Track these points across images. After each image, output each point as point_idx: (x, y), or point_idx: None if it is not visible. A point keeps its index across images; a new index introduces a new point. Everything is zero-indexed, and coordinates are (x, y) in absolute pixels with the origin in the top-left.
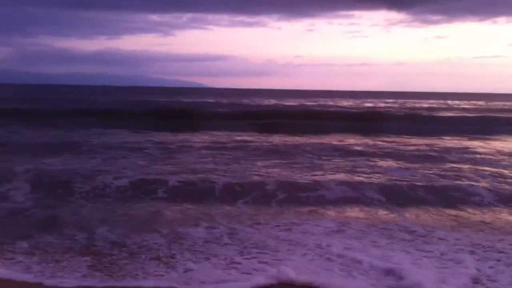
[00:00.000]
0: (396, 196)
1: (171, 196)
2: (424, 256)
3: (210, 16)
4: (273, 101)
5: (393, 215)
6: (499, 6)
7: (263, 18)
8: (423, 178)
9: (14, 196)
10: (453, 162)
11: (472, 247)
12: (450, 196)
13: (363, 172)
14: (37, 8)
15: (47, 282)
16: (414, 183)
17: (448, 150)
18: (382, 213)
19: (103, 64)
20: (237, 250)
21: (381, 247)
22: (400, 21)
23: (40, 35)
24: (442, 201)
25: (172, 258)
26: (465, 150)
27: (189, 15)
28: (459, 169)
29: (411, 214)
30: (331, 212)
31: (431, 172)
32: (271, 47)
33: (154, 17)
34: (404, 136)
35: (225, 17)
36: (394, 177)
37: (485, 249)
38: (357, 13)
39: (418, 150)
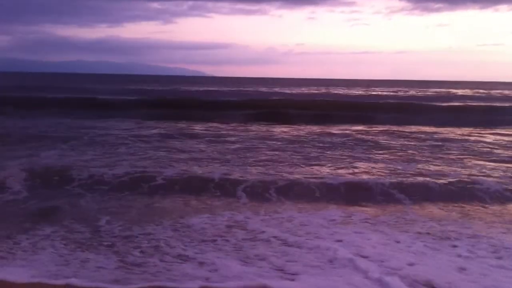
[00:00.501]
0: (402, 188)
1: (170, 187)
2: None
3: (210, 4)
4: (275, 90)
5: (400, 207)
6: None
7: (264, 6)
8: (428, 170)
9: (11, 188)
10: (458, 153)
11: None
12: (456, 189)
13: (365, 163)
14: None
15: (73, 282)
16: (418, 175)
17: (453, 140)
18: (389, 206)
19: (104, 52)
20: (264, 249)
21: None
22: (402, 9)
23: (41, 23)
24: (448, 194)
25: (200, 253)
26: (471, 140)
27: (190, 2)
28: (464, 161)
29: (419, 207)
30: (336, 204)
31: (435, 163)
32: (272, 35)
33: (155, 5)
34: (407, 125)
35: (225, 5)
36: (397, 169)
37: None
38: (358, 0)
39: (422, 141)
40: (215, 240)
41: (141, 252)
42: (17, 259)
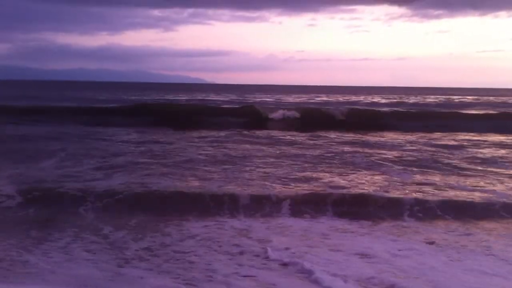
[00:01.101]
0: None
1: (165, 196)
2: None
3: (210, 11)
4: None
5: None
6: (500, 1)
7: (264, 13)
8: (428, 180)
9: (6, 197)
10: (461, 161)
11: None
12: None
13: (361, 172)
14: (37, 4)
15: None
16: (418, 185)
17: (455, 147)
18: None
19: (105, 60)
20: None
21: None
22: (401, 16)
23: (41, 31)
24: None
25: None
26: (474, 147)
27: (190, 10)
28: (466, 168)
29: (425, 222)
30: (337, 212)
31: (437, 173)
32: (272, 42)
33: (155, 12)
34: (407, 133)
35: (225, 12)
36: (394, 179)
37: None
38: (358, 7)
39: (420, 148)
40: (242, 253)
41: (185, 269)
42: (58, 273)
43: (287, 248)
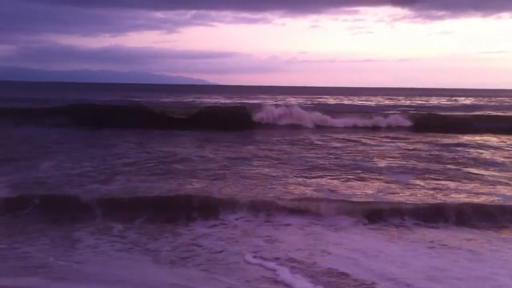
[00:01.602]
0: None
1: (164, 200)
2: None
3: (213, 13)
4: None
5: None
6: (502, 2)
7: (267, 15)
8: (428, 182)
9: (8, 199)
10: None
11: None
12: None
13: (357, 172)
14: (40, 5)
15: None
16: (417, 188)
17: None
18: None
19: (108, 62)
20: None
21: None
22: (404, 17)
23: (44, 33)
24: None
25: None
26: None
27: (193, 11)
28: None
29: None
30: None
31: (440, 176)
32: (275, 43)
33: (158, 14)
34: (409, 133)
35: (228, 14)
36: (392, 179)
37: None
38: (362, 9)
39: (421, 150)
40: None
41: (233, 270)
42: (106, 273)
43: (279, 251)
